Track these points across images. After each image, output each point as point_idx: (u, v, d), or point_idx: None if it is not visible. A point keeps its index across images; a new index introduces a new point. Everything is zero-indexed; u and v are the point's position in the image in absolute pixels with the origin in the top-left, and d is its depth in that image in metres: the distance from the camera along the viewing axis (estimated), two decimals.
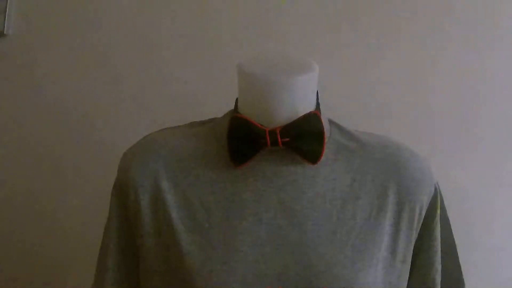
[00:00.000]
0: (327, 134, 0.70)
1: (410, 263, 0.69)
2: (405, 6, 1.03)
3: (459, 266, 0.75)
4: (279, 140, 0.64)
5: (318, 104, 0.71)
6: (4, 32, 1.11)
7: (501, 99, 1.01)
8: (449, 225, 0.74)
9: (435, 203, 0.70)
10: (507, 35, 1.01)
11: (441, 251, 0.71)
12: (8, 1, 1.11)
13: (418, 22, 1.03)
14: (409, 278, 0.69)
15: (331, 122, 0.74)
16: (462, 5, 1.02)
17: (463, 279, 0.75)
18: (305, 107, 0.68)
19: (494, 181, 1.00)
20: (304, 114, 0.66)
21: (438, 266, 0.71)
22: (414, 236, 0.69)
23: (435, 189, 0.70)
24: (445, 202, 0.73)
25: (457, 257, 0.75)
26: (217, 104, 0.79)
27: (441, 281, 0.71)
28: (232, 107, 0.73)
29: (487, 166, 1.01)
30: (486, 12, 1.01)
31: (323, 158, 0.67)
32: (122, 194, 0.69)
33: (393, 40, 1.03)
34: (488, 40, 1.01)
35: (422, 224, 0.70)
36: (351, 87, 1.04)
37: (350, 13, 1.04)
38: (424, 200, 0.69)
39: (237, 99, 0.72)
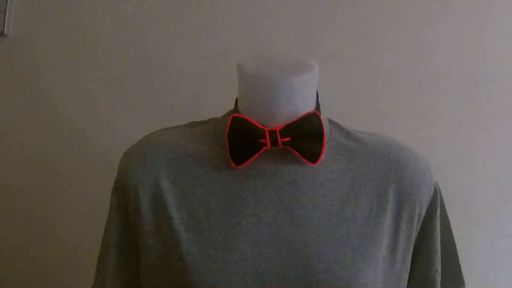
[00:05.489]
0: (327, 134, 0.70)
1: (410, 263, 0.69)
2: (405, 5, 1.03)
3: (459, 266, 0.75)
4: (279, 140, 0.64)
5: (318, 104, 0.71)
6: (4, 32, 1.11)
7: (504, 98, 1.01)
8: (449, 225, 0.74)
9: (435, 203, 0.70)
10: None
11: (441, 251, 0.71)
12: (8, 1, 1.11)
13: (419, 21, 1.03)
14: (409, 278, 0.69)
15: (331, 122, 0.74)
16: (458, 5, 1.02)
17: (463, 279, 0.75)
18: (305, 107, 0.68)
19: (494, 181, 1.00)
20: (304, 114, 0.66)
21: (438, 266, 0.71)
22: (414, 236, 0.69)
23: (435, 189, 0.70)
24: (446, 202, 0.73)
25: (457, 257, 0.75)
26: (217, 104, 0.79)
27: (441, 281, 0.71)
28: (232, 107, 0.73)
29: (488, 165, 1.01)
30: (485, 12, 1.02)
31: (323, 158, 0.67)
32: (122, 194, 0.69)
33: (393, 40, 1.03)
34: (491, 37, 1.01)
35: (422, 224, 0.70)
36: (351, 87, 1.04)
37: (350, 13, 1.04)
38: (424, 200, 0.69)
39: (237, 99, 0.72)
